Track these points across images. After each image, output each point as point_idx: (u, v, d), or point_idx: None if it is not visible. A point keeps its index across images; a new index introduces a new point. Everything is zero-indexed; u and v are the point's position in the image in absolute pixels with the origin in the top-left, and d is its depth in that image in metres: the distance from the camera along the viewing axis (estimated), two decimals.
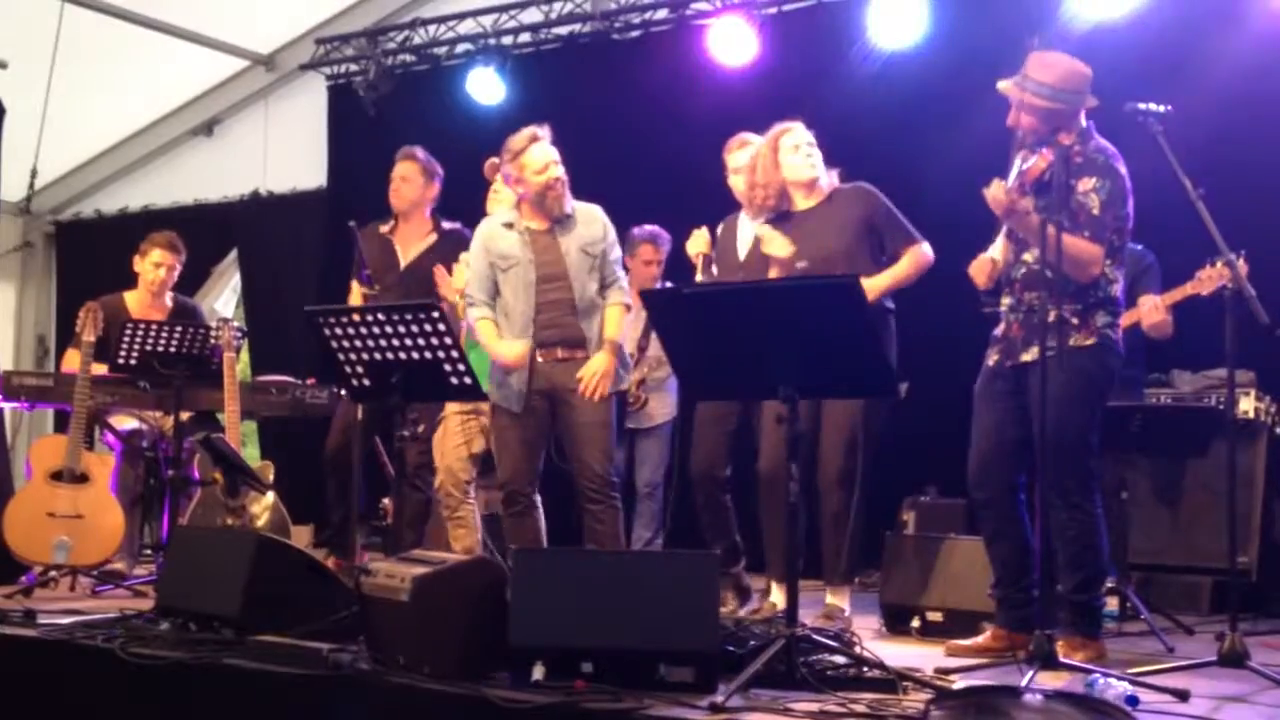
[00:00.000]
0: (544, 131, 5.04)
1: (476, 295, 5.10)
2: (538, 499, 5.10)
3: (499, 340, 5.01)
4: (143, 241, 6.42)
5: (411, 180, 6.09)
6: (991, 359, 4.45)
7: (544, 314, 4.98)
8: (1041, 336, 3.92)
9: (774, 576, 5.12)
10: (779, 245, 4.95)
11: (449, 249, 5.97)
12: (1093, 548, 4.22)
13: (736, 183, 5.45)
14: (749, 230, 5.32)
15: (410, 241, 6.09)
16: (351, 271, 6.01)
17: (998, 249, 4.48)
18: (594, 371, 4.92)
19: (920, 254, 4.95)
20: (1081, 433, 4.20)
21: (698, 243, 5.46)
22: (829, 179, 5.07)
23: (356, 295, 5.91)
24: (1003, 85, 4.32)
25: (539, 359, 4.98)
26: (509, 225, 5.07)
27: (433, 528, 6.51)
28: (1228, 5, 6.08)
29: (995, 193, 4.11)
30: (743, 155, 5.40)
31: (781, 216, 5.08)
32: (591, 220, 5.10)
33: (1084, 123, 4.31)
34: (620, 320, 5.04)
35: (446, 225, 6.11)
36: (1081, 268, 4.12)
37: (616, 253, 5.15)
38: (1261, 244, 4.75)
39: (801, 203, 5.06)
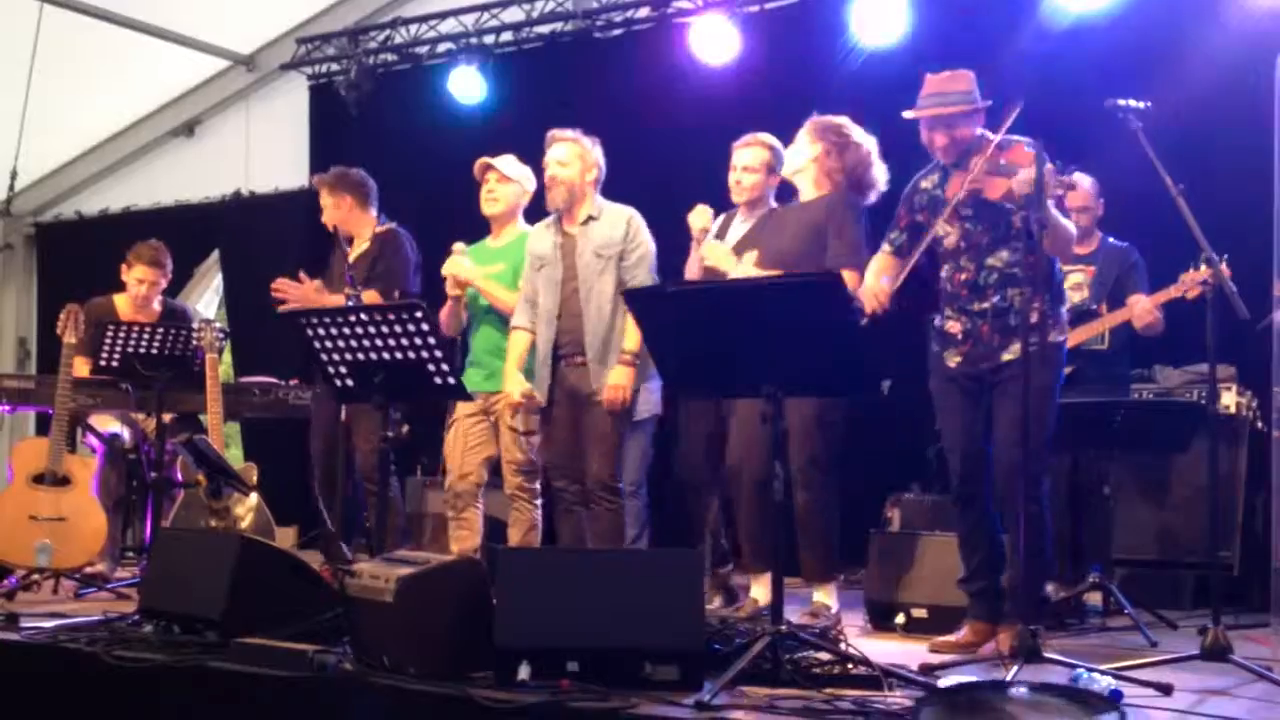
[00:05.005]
0: (566, 133, 5.16)
1: (524, 294, 5.25)
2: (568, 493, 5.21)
3: (515, 370, 5.16)
4: (129, 252, 6.38)
5: (331, 208, 5.96)
6: (952, 361, 4.46)
7: (564, 316, 5.10)
8: (1024, 334, 3.96)
9: (751, 571, 5.11)
10: (724, 259, 5.01)
11: (376, 249, 5.91)
12: (1046, 536, 4.33)
13: (743, 179, 5.23)
14: (739, 231, 5.25)
15: (354, 248, 5.99)
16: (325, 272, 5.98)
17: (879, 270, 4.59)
18: (613, 385, 4.97)
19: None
20: (1049, 427, 4.31)
21: (702, 218, 5.23)
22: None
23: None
24: (909, 114, 4.46)
25: (562, 365, 5.11)
26: (549, 227, 5.23)
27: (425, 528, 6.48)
28: (1207, 1, 6.09)
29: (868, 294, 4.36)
30: (746, 154, 5.21)
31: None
32: (616, 222, 5.13)
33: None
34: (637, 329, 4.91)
35: (379, 228, 5.99)
36: (1070, 246, 4.20)
37: (639, 256, 5.10)
38: (1240, 239, 4.77)
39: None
